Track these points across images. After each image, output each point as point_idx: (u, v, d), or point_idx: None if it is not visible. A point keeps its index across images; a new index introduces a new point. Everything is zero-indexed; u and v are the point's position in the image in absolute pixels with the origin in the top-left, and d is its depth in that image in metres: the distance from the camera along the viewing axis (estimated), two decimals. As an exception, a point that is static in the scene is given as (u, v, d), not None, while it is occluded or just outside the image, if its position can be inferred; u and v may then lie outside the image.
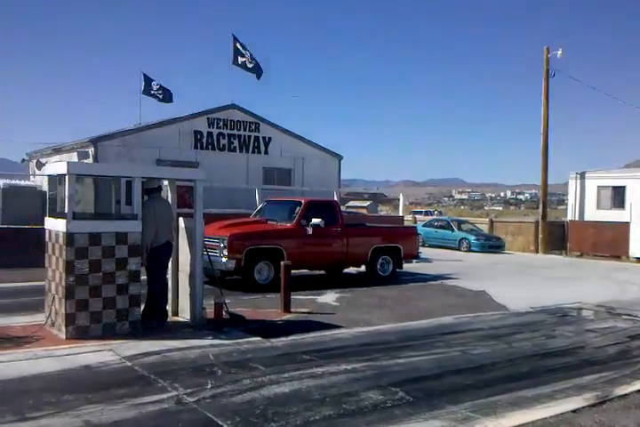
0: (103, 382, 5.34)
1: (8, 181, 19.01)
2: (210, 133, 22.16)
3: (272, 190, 20.34)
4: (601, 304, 10.80)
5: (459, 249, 23.51)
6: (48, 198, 8.16)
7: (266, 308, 9.27)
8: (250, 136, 23.16)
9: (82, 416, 4.49)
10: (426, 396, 5.25)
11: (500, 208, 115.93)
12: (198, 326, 7.60)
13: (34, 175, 23.01)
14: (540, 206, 25.33)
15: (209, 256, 8.72)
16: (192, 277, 7.85)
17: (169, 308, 8.10)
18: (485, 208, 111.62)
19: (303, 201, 12.57)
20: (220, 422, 4.46)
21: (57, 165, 7.44)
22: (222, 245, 10.99)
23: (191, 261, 7.86)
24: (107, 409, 4.64)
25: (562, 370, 6.30)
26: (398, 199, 22.90)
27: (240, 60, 22.89)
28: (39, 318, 7.55)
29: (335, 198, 20.25)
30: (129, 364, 5.90)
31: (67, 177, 6.83)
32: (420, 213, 41.38)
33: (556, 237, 24.51)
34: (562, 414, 4.95)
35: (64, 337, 6.68)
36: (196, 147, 21.79)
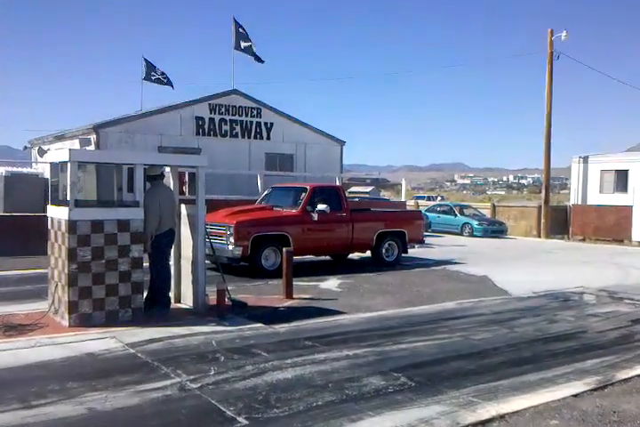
0: (106, 369, 5.37)
1: (10, 169, 19.03)
2: (211, 119, 22.08)
3: (274, 176, 20.34)
4: (603, 289, 10.81)
5: (461, 234, 23.52)
6: (50, 186, 8.16)
7: (269, 294, 9.30)
8: (252, 122, 23.07)
9: (86, 403, 4.53)
10: (428, 381, 5.27)
11: (503, 193, 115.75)
12: (201, 313, 7.63)
13: (36, 163, 23.02)
14: (543, 191, 25.27)
15: (211, 243, 8.73)
16: (194, 263, 7.87)
17: (172, 295, 8.12)
18: (488, 193, 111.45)
19: (309, 187, 12.55)
20: (223, 409, 4.49)
21: (59, 153, 7.43)
22: (229, 233, 11.00)
23: (193, 248, 7.87)
24: (110, 396, 4.68)
25: (563, 355, 6.32)
26: (400, 184, 22.84)
27: (242, 44, 22.73)
28: (42, 305, 7.59)
29: (337, 183, 20.22)
30: (132, 351, 5.93)
31: (69, 164, 6.82)
32: (423, 198, 41.32)
33: (559, 222, 24.49)
34: (563, 398, 4.97)
35: (67, 325, 6.72)
36: (197, 133, 21.73)
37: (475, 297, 9.61)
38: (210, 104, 22.07)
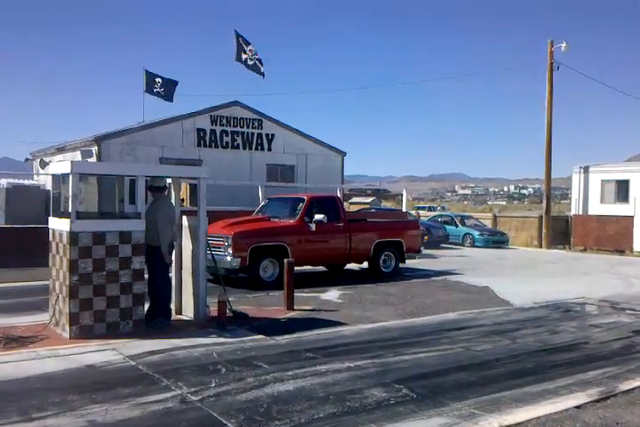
0: (107, 381, 5.36)
1: (12, 181, 19.05)
2: (213, 131, 22.16)
3: (275, 187, 20.37)
4: (605, 299, 10.78)
5: (462, 244, 23.49)
6: (52, 198, 8.19)
7: (269, 306, 9.29)
8: (253, 133, 23.15)
9: (86, 416, 4.51)
10: (430, 393, 5.25)
11: (504, 203, 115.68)
12: (202, 325, 7.62)
13: (37, 174, 23.06)
14: (544, 201, 25.27)
15: (212, 254, 8.74)
16: (195, 275, 7.87)
17: (172, 306, 8.12)
18: (489, 203, 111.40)
19: (306, 197, 12.57)
20: (224, 421, 4.47)
21: (61, 165, 7.46)
22: (227, 244, 11.01)
23: (194, 259, 7.88)
24: (111, 409, 4.66)
25: (566, 366, 6.29)
26: (401, 195, 22.85)
27: (243, 56, 22.88)
28: (43, 317, 7.58)
29: (339, 194, 20.24)
30: (133, 363, 5.92)
31: (70, 176, 6.84)
32: (424, 208, 41.33)
33: (560, 232, 24.47)
34: (566, 410, 4.95)
35: (68, 336, 6.71)
36: (199, 144, 21.80)
37: (476, 308, 9.59)
38: (211, 116, 22.17)
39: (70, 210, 6.79)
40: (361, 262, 13.66)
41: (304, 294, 10.17)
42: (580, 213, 25.04)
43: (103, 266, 6.90)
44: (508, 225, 26.43)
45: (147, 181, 7.73)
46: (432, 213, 30.64)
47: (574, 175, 25.76)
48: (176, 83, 26.83)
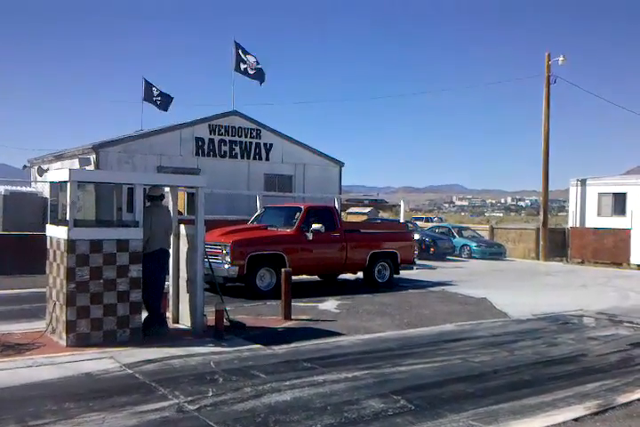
0: (104, 389, 5.32)
1: (9, 188, 19.03)
2: (211, 140, 22.20)
3: (273, 197, 20.38)
4: (602, 312, 10.77)
5: (460, 256, 23.49)
6: (49, 205, 8.18)
7: (267, 315, 9.26)
8: (251, 143, 23.19)
9: (83, 424, 4.48)
10: (427, 404, 5.23)
11: (501, 215, 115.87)
12: (199, 334, 7.59)
13: (35, 182, 23.05)
14: (541, 213, 25.32)
15: (210, 263, 8.72)
16: (192, 283, 7.84)
17: (169, 315, 8.09)
18: (486, 215, 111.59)
19: (303, 207, 12.58)
20: (221, 431, 4.44)
21: (59, 172, 7.45)
22: (225, 252, 10.98)
23: (192, 268, 7.86)
24: (108, 417, 4.63)
25: (564, 378, 6.28)
26: (399, 205, 22.88)
27: (242, 66, 22.98)
28: (40, 325, 7.54)
29: (336, 205, 20.27)
30: (130, 371, 5.89)
31: (68, 184, 6.84)
32: (421, 219, 41.36)
33: (557, 244, 24.49)
34: (564, 422, 4.93)
35: (65, 344, 6.68)
36: (197, 153, 21.82)
37: (474, 319, 9.58)
38: (210, 125, 22.21)
39: (68, 217, 6.78)
40: (356, 272, 13.64)
41: (301, 304, 10.15)
42: (578, 225, 25.09)
43: (100, 274, 6.88)
44: (505, 237, 26.46)
45: (145, 189, 7.72)
46: (429, 224, 30.65)
47: (571, 188, 25.83)
48: (171, 98, 26.99)
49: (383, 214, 45.73)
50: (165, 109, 27.29)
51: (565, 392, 5.73)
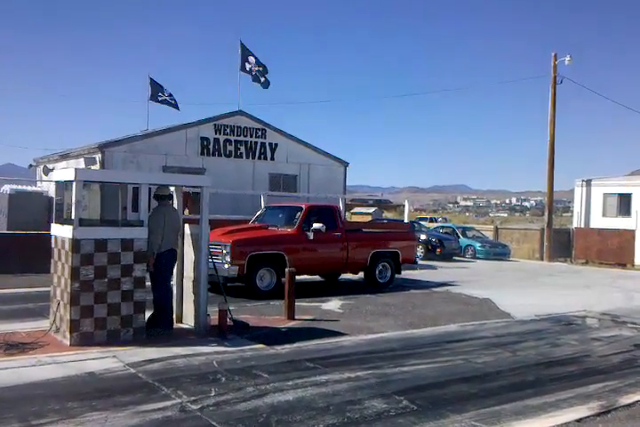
0: (107, 389, 5.35)
1: (15, 187, 19.10)
2: (216, 140, 22.22)
3: (278, 196, 20.40)
4: (606, 312, 10.75)
5: (464, 256, 23.46)
6: (55, 204, 8.20)
7: (270, 315, 9.27)
8: (256, 142, 23.20)
9: (85, 424, 4.50)
10: (430, 405, 5.23)
11: (506, 215, 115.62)
12: (202, 333, 7.60)
13: (41, 181, 23.13)
14: (546, 213, 25.28)
15: (214, 263, 8.73)
16: (196, 283, 7.86)
17: (174, 314, 8.10)
18: (490, 215, 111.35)
19: (304, 206, 12.57)
20: (223, 430, 4.46)
21: (64, 172, 7.48)
22: (225, 252, 10.98)
23: (196, 268, 7.88)
24: (110, 417, 4.65)
25: (566, 379, 6.27)
26: (403, 206, 22.85)
27: (247, 66, 23.02)
28: (44, 324, 7.58)
29: (340, 205, 20.27)
30: (133, 371, 5.91)
31: (74, 183, 6.87)
32: (425, 219, 41.32)
33: (562, 245, 24.44)
34: (566, 423, 4.93)
35: (68, 343, 6.70)
36: (202, 153, 21.85)
37: (477, 320, 9.57)
38: (215, 125, 22.23)
39: (73, 217, 6.80)
40: (357, 272, 13.58)
41: (304, 304, 10.16)
42: (582, 226, 25.04)
43: (105, 273, 6.90)
44: (509, 237, 26.42)
45: (150, 189, 7.75)
46: (434, 225, 30.63)
47: (576, 188, 25.79)
48: (176, 105, 27.00)
49: (387, 214, 45.69)
50: (177, 108, 27.23)
51: (568, 393, 5.73)
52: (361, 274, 13.58)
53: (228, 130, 22.53)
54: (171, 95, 26.79)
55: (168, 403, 5.02)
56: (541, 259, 24.35)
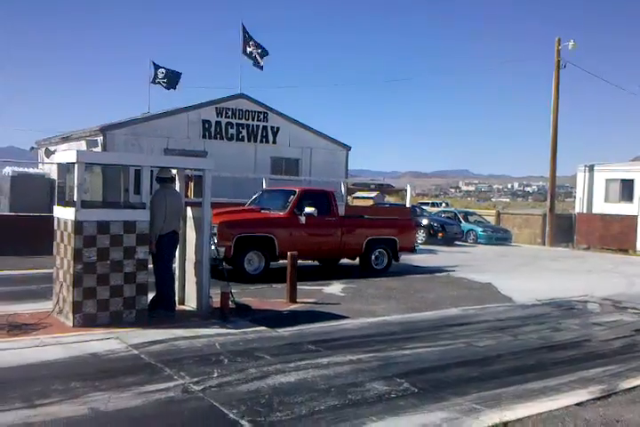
0: (110, 369, 5.38)
1: (17, 169, 19.06)
2: (218, 123, 22.13)
3: (279, 180, 20.37)
4: (607, 298, 10.78)
5: (465, 241, 23.48)
6: (57, 186, 8.20)
7: (272, 298, 9.30)
8: (258, 126, 23.11)
9: (89, 404, 4.53)
10: (431, 387, 5.26)
11: (508, 200, 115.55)
12: (205, 315, 7.64)
13: (42, 163, 23.09)
14: (548, 199, 25.24)
15: (216, 246, 8.72)
16: (199, 266, 7.88)
17: (176, 297, 8.12)
18: (492, 200, 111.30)
19: (297, 190, 12.43)
20: (225, 411, 4.48)
21: (66, 154, 7.45)
22: (212, 233, 10.71)
23: (198, 250, 7.89)
24: (113, 397, 4.68)
25: (567, 363, 6.30)
26: (405, 190, 22.81)
27: (248, 49, 22.87)
28: (47, 305, 7.60)
29: (342, 189, 20.24)
30: (136, 352, 5.94)
31: (76, 165, 6.85)
32: (427, 204, 41.29)
33: (564, 230, 24.45)
34: (566, 407, 4.95)
35: (71, 325, 6.73)
36: (204, 136, 21.77)
37: (478, 304, 9.60)
38: (217, 108, 22.12)
39: (75, 199, 6.79)
40: (353, 258, 13.43)
41: (306, 287, 10.18)
42: (585, 211, 25.01)
43: (107, 255, 6.91)
44: (511, 222, 26.42)
45: (152, 171, 7.73)
46: (436, 209, 30.61)
47: (579, 174, 25.72)
48: (179, 74, 26.81)
49: (389, 199, 45.64)
50: (174, 87, 27.01)
51: (569, 377, 5.76)
52: (357, 259, 13.41)
53: (230, 113, 22.43)
54: (168, 75, 26.51)
55: (171, 384, 5.04)
56: (543, 244, 24.37)
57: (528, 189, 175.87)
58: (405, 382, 5.36)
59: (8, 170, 19.49)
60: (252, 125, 22.99)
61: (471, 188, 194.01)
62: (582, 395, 5.25)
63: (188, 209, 8.22)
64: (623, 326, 8.41)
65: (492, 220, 26.70)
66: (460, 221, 24.25)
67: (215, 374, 5.34)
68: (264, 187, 18.10)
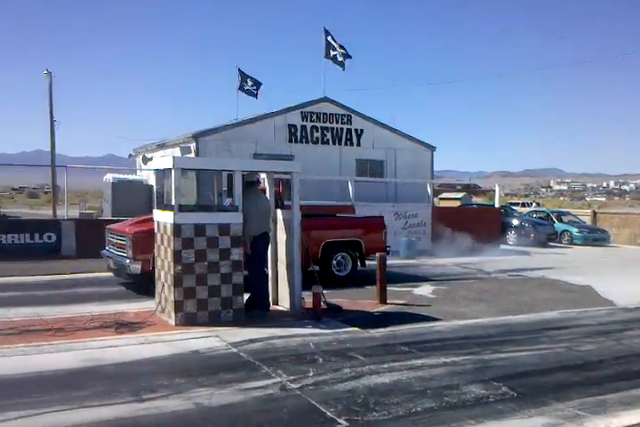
0: (211, 366, 5.58)
1: (117, 176, 20.12)
2: (303, 127, 22.44)
3: (365, 182, 20.42)
4: None
5: (560, 242, 22.60)
6: (155, 191, 8.58)
7: (361, 299, 9.32)
8: (342, 128, 23.25)
9: (193, 399, 4.72)
10: (530, 392, 5.11)
11: (603, 199, 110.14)
12: (298, 316, 7.78)
13: (140, 170, 24.22)
14: (649, 197, 23.87)
15: (307, 248, 8.83)
16: (290, 267, 8.03)
17: (269, 297, 8.32)
18: (587, 199, 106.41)
19: None
20: (323, 410, 4.55)
21: (163, 160, 7.80)
22: (128, 245, 9.47)
23: (289, 252, 8.04)
24: (216, 393, 4.86)
25: (678, 370, 5.95)
26: (493, 191, 22.25)
27: (332, 53, 23.08)
28: (149, 304, 7.98)
29: (428, 190, 20.00)
30: (235, 350, 6.13)
31: (173, 171, 7.16)
32: (517, 204, 40.06)
33: (667, 230, 23.06)
34: (679, 415, 4.69)
35: (174, 323, 7.05)
36: (290, 140, 22.14)
37: (577, 307, 9.22)
38: (302, 112, 22.44)
39: (173, 203, 7.11)
40: (308, 267, 9.78)
41: (396, 289, 10.13)
42: (690, 209, 23.45)
43: (204, 257, 7.18)
44: (608, 222, 25.19)
45: (243, 175, 7.96)
46: (526, 209, 29.65)
47: (684, 170, 24.15)
48: (260, 84, 27.46)
49: (477, 200, 44.64)
50: (255, 97, 27.77)
51: (680, 385, 5.44)
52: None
53: (315, 117, 22.70)
54: (254, 85, 27.25)
55: (269, 381, 5.18)
56: (644, 245, 23.08)
57: (625, 187, 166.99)
58: (503, 385, 5.24)
59: (109, 177, 20.62)
60: (337, 128, 23.15)
61: (563, 187, 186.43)
62: (696, 404, 4.95)
63: (278, 211, 8.41)
64: None
65: (587, 220, 25.57)
66: (554, 222, 23.36)
67: (311, 373, 5.43)
68: (350, 189, 18.19)
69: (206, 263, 7.18)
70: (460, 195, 45.33)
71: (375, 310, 8.48)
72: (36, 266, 12.38)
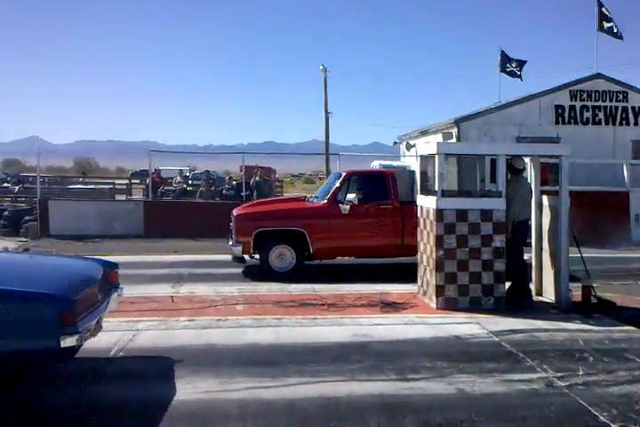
0: (472, 353, 5.57)
1: (383, 162, 21.04)
2: (572, 107, 20.86)
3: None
4: None
5: None
6: (420, 177, 8.77)
7: (638, 295, 8.41)
8: (617, 107, 21.08)
9: (455, 384, 4.76)
10: None
11: None
12: (563, 309, 7.33)
13: (404, 156, 25.01)
14: None
15: (575, 236, 8.25)
16: (556, 257, 7.59)
17: (532, 287, 7.99)
18: None
19: (344, 173, 10.31)
20: (594, 412, 4.25)
21: (427, 146, 7.95)
22: (231, 227, 9.96)
23: (555, 241, 7.59)
24: (478, 381, 4.82)
25: None
26: None
27: (606, 25, 21.05)
28: (408, 286, 8.23)
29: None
30: (496, 339, 6.02)
31: (436, 156, 7.25)
32: None
33: None
34: None
35: (435, 307, 7.18)
36: (556, 122, 20.76)
37: None
38: (570, 91, 20.85)
39: (436, 188, 7.20)
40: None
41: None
42: None
43: (466, 242, 7.15)
44: None
45: (507, 160, 7.72)
46: None
47: None
48: (524, 62, 26.11)
49: None
50: (520, 78, 26.56)
51: None
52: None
53: (585, 95, 20.93)
54: (518, 66, 26.04)
55: (533, 375, 4.99)
56: None
57: None
58: None
59: (375, 163, 21.72)
60: (610, 107, 21.08)
61: None
62: None
63: (544, 197, 8.00)
64: None
65: None
66: None
67: (580, 372, 5.10)
68: (625, 173, 16.49)
69: (467, 249, 7.15)
70: None
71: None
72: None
